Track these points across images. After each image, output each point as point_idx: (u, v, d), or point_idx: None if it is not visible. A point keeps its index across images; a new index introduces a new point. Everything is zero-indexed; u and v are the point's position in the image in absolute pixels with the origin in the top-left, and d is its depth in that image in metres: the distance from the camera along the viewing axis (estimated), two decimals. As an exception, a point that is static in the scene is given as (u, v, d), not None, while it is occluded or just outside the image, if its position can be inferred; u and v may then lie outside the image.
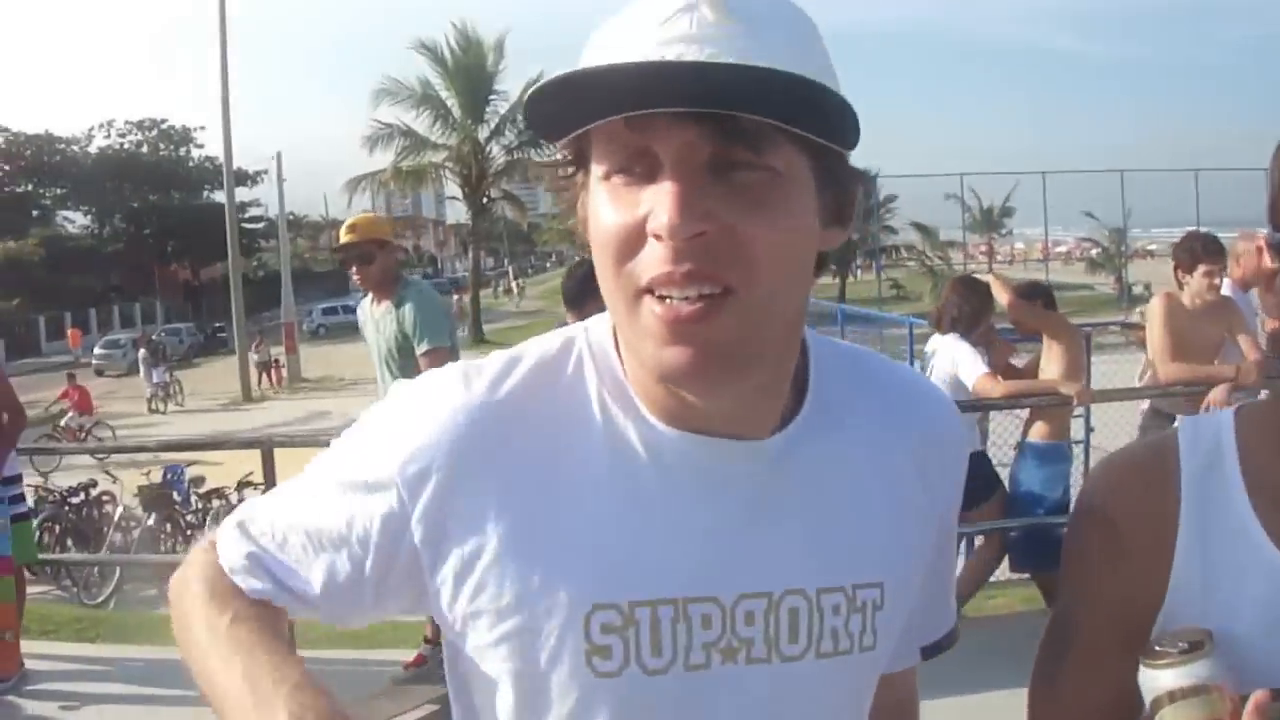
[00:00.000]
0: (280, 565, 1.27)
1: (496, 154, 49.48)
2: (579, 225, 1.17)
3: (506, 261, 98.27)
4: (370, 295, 6.31)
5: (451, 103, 47.52)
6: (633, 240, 1.04)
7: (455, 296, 51.53)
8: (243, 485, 13.11)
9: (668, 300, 1.03)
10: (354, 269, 6.06)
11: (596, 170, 1.09)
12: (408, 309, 5.95)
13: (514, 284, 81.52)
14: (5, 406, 6.58)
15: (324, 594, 1.25)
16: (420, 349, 5.86)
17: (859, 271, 63.21)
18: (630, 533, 1.16)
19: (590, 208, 1.11)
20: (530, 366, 1.22)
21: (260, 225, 72.99)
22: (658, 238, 1.02)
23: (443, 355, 5.71)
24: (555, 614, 1.15)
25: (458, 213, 56.57)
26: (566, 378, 1.22)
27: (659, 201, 1.02)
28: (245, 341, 37.06)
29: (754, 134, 1.01)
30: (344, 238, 6.16)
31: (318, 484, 1.27)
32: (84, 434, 24.87)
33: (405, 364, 5.88)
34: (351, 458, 1.25)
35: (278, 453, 6.69)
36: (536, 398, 1.20)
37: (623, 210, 1.05)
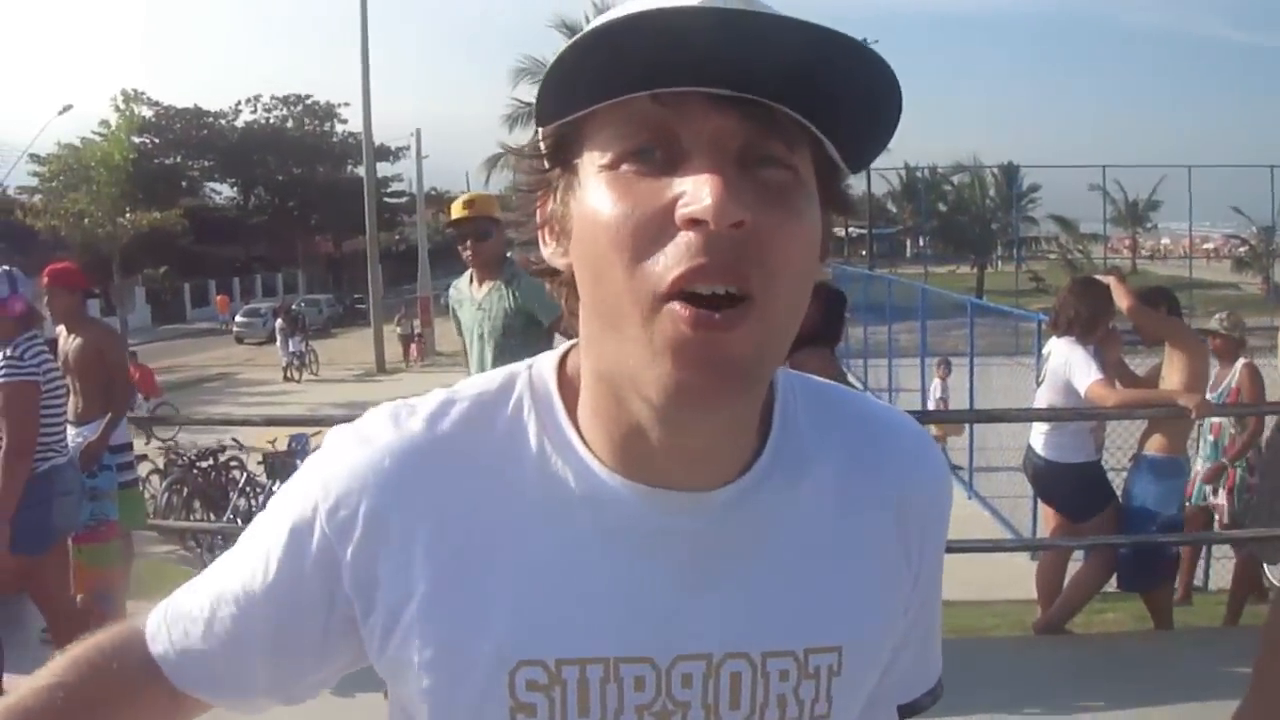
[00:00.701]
0: (216, 646, 1.20)
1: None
2: (544, 229, 1.09)
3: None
4: (469, 274, 6.19)
5: (591, 80, 47.69)
6: (652, 234, 0.93)
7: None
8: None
9: (692, 306, 0.91)
10: (467, 244, 5.95)
11: (598, 159, 0.98)
12: (523, 286, 5.81)
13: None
14: (117, 378, 6.80)
15: (268, 662, 1.19)
16: (549, 319, 5.76)
17: (999, 262, 62.31)
18: (560, 586, 1.08)
19: (581, 203, 0.99)
20: (466, 406, 1.15)
21: (401, 200, 74.04)
22: (693, 223, 0.90)
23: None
24: (479, 668, 1.08)
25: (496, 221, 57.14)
26: (505, 419, 1.13)
27: (698, 184, 0.90)
28: (382, 314, 37.45)
29: (788, 130, 0.95)
30: (459, 212, 6.02)
31: (248, 549, 1.19)
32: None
33: (513, 342, 5.79)
34: (283, 510, 1.16)
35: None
36: (472, 439, 1.12)
37: (639, 200, 0.94)
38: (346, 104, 73.30)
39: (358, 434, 1.14)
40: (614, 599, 1.09)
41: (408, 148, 59.90)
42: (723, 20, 0.88)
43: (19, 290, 5.52)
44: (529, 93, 46.83)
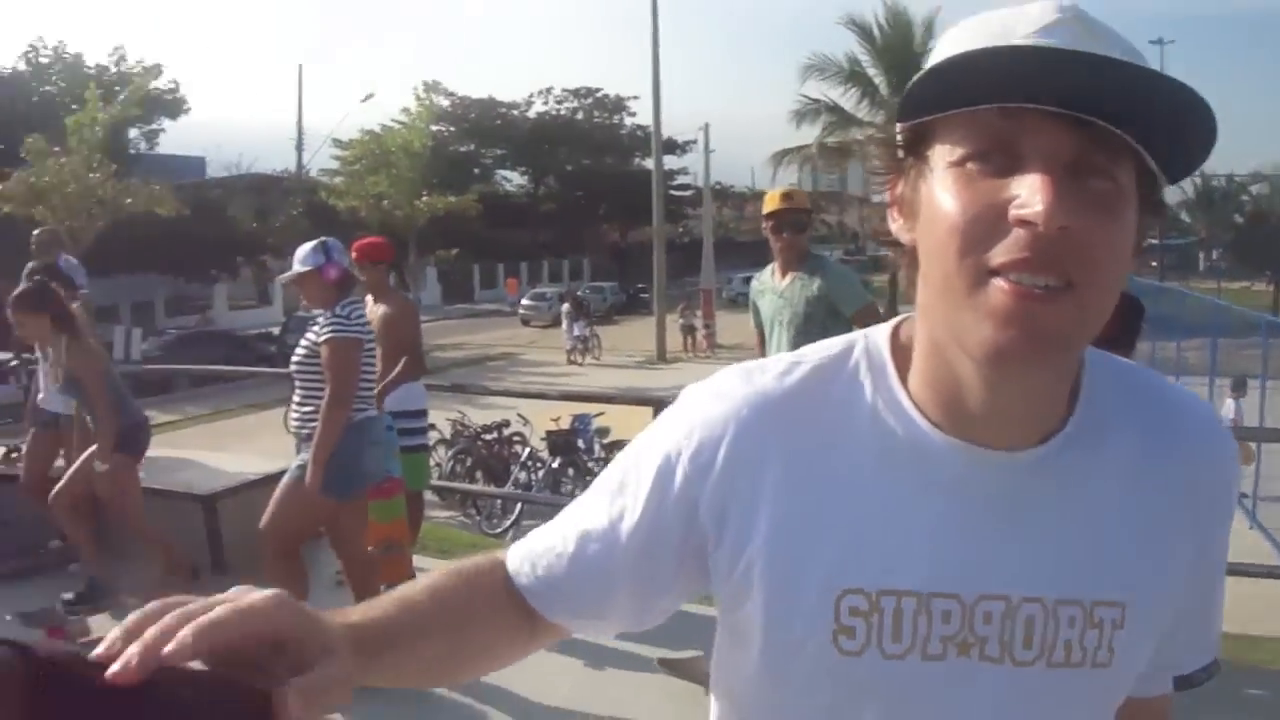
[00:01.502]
0: (581, 578, 1.37)
1: (926, 136, 48.81)
2: (894, 207, 1.24)
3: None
4: (771, 267, 6.53)
5: (879, 80, 46.97)
6: (986, 225, 1.07)
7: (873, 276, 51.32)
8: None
9: (1017, 283, 1.05)
10: (783, 234, 6.23)
11: (947, 155, 1.12)
12: (829, 277, 6.16)
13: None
14: (410, 350, 7.39)
15: (629, 591, 1.36)
16: (850, 311, 6.02)
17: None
18: (884, 526, 1.24)
19: (929, 191, 1.14)
20: (810, 368, 1.31)
21: (687, 193, 75.03)
22: (1023, 223, 1.04)
23: (873, 311, 6.08)
24: (811, 593, 1.24)
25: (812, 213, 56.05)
26: (843, 380, 1.29)
27: (1031, 190, 1.04)
28: (664, 303, 38.00)
29: (1113, 145, 1.05)
30: (779, 204, 6.35)
31: (608, 492, 1.37)
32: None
33: (813, 330, 5.96)
34: (645, 455, 1.34)
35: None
36: (813, 396, 1.29)
37: (978, 195, 1.08)
38: (635, 97, 74.70)
39: (714, 389, 1.33)
40: (929, 540, 1.23)
41: (694, 141, 60.73)
42: (1059, 56, 1.01)
43: (334, 258, 5.88)
44: (817, 89, 46.67)
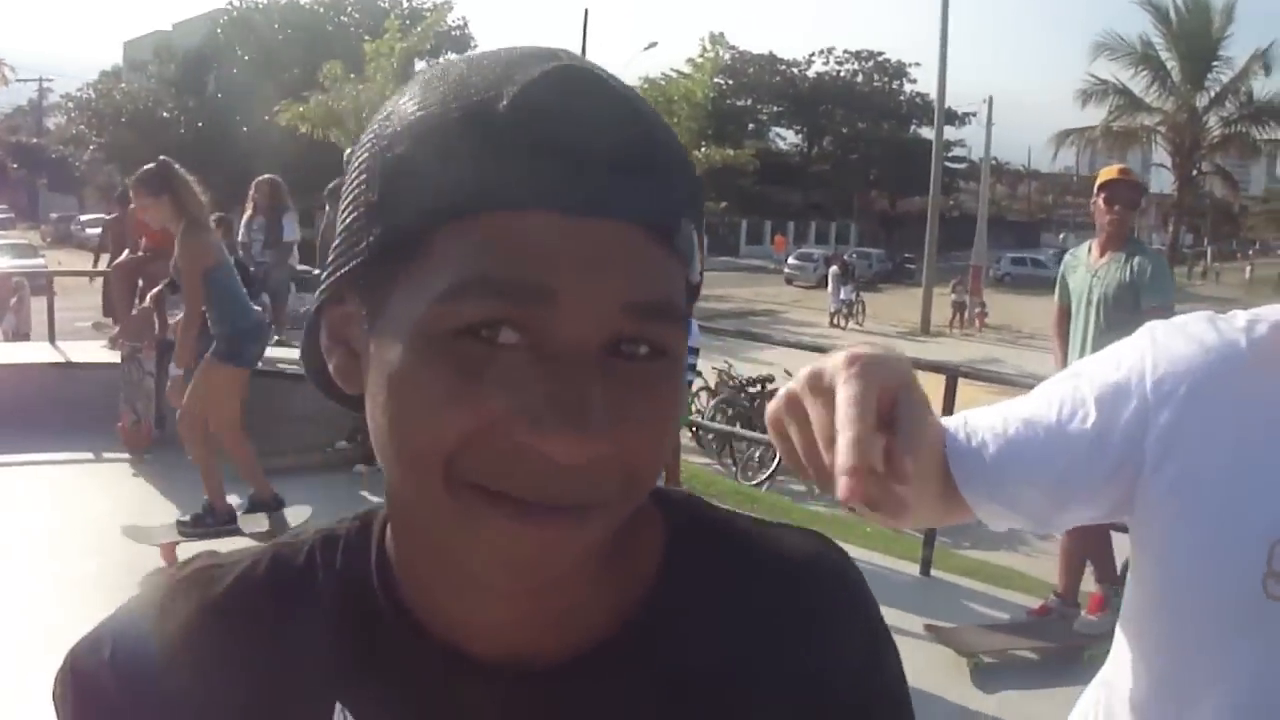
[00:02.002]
0: (1006, 462, 1.39)
1: (1213, 125, 46.62)
2: None
3: (1206, 241, 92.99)
4: (1088, 245, 6.44)
5: (1172, 65, 45.11)
6: None
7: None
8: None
9: None
10: (1115, 207, 6.11)
11: None
12: (1144, 263, 6.04)
13: (1209, 266, 77.00)
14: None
15: (1046, 490, 1.41)
16: (1150, 304, 5.85)
17: None
18: None
19: None
20: (1265, 330, 1.35)
21: (961, 166, 73.75)
22: None
23: (1167, 314, 5.58)
24: (1248, 536, 1.27)
25: (1162, 181, 53.59)
26: None
27: None
28: (933, 275, 37.36)
29: None
30: (1115, 175, 6.31)
31: (1059, 396, 1.42)
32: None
33: (1118, 316, 5.90)
34: (1101, 371, 1.41)
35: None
36: (1271, 354, 1.33)
37: None
38: (917, 64, 73.74)
39: (1182, 330, 1.40)
40: None
41: (973, 114, 59.54)
42: None
43: None
44: (1106, 69, 45.09)
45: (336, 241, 0.78)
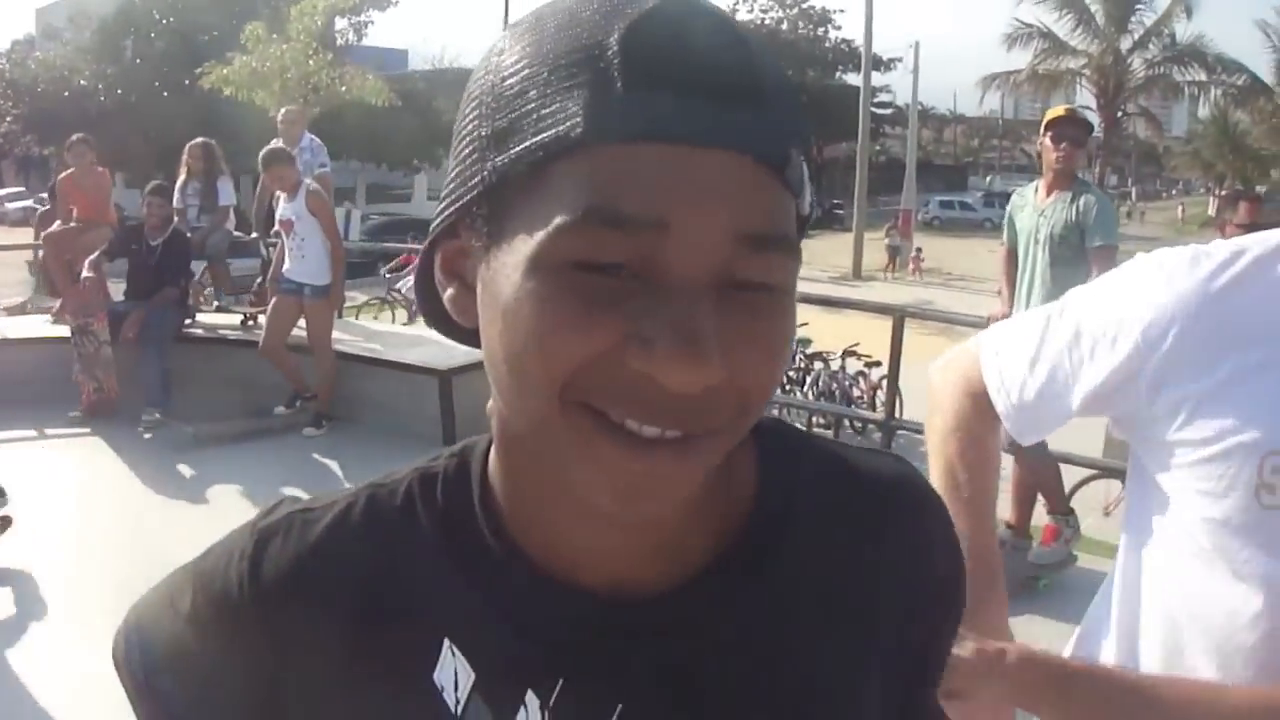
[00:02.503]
0: (1040, 404, 1.63)
1: (1137, 67, 47.15)
2: None
3: (1130, 182, 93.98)
4: (1035, 185, 6.53)
5: (1096, 9, 45.54)
6: None
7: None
8: (848, 354, 13.28)
9: None
10: (1062, 145, 6.20)
11: None
12: (1090, 203, 6.10)
13: (1134, 206, 77.81)
14: None
15: (1071, 414, 1.61)
16: (1095, 243, 5.97)
17: None
18: None
19: None
20: (1249, 260, 1.44)
21: (888, 112, 73.65)
22: None
23: (1111, 253, 5.91)
24: (1239, 451, 1.39)
25: (1092, 131, 54.20)
26: (1278, 270, 1.43)
27: None
28: (863, 221, 37.44)
29: None
30: (1062, 114, 6.42)
31: (1061, 328, 1.60)
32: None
33: (1064, 254, 6.01)
34: (1102, 309, 1.55)
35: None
36: (1249, 285, 1.43)
37: None
38: (842, 10, 73.74)
39: (1166, 274, 1.49)
40: None
41: (900, 59, 59.56)
42: None
43: None
44: (1032, 14, 45.38)
45: (450, 177, 0.80)
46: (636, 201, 0.69)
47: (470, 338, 0.85)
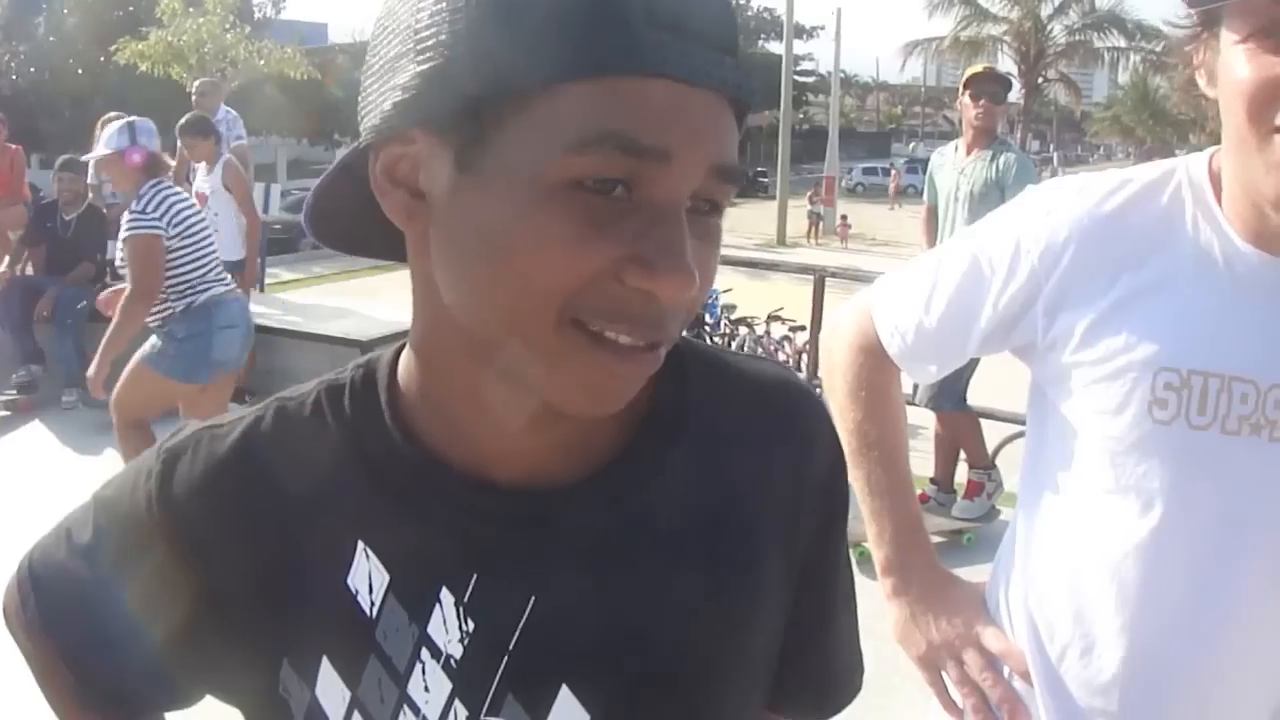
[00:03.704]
0: (939, 341, 1.69)
1: (1057, 34, 47.71)
2: (1200, 71, 1.45)
3: (1052, 148, 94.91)
4: (954, 144, 6.58)
5: (1016, -26, 45.93)
6: (1270, 92, 1.29)
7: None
8: (772, 318, 13.35)
9: None
10: (981, 101, 6.26)
11: (1231, 36, 1.34)
12: (1009, 161, 6.18)
13: (1056, 170, 78.64)
14: None
15: (970, 350, 1.68)
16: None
17: None
18: (1198, 320, 1.45)
19: (1224, 63, 1.36)
20: (1137, 187, 1.52)
21: (810, 80, 74.08)
22: None
23: None
24: (1133, 369, 1.46)
25: (1011, 89, 54.79)
26: (1166, 197, 1.51)
27: None
28: (786, 188, 37.54)
29: None
30: (979, 71, 6.52)
31: (955, 262, 1.66)
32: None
33: (984, 211, 5.85)
34: (996, 240, 1.60)
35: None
36: (1142, 209, 1.51)
37: (1262, 67, 1.29)
38: (763, -22, 73.48)
39: (1053, 203, 1.56)
40: (1234, 334, 1.45)
41: (822, 27, 59.76)
42: None
43: (140, 141, 5.67)
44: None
45: (395, 81, 0.82)
46: (650, 131, 0.75)
47: (382, 247, 0.94)
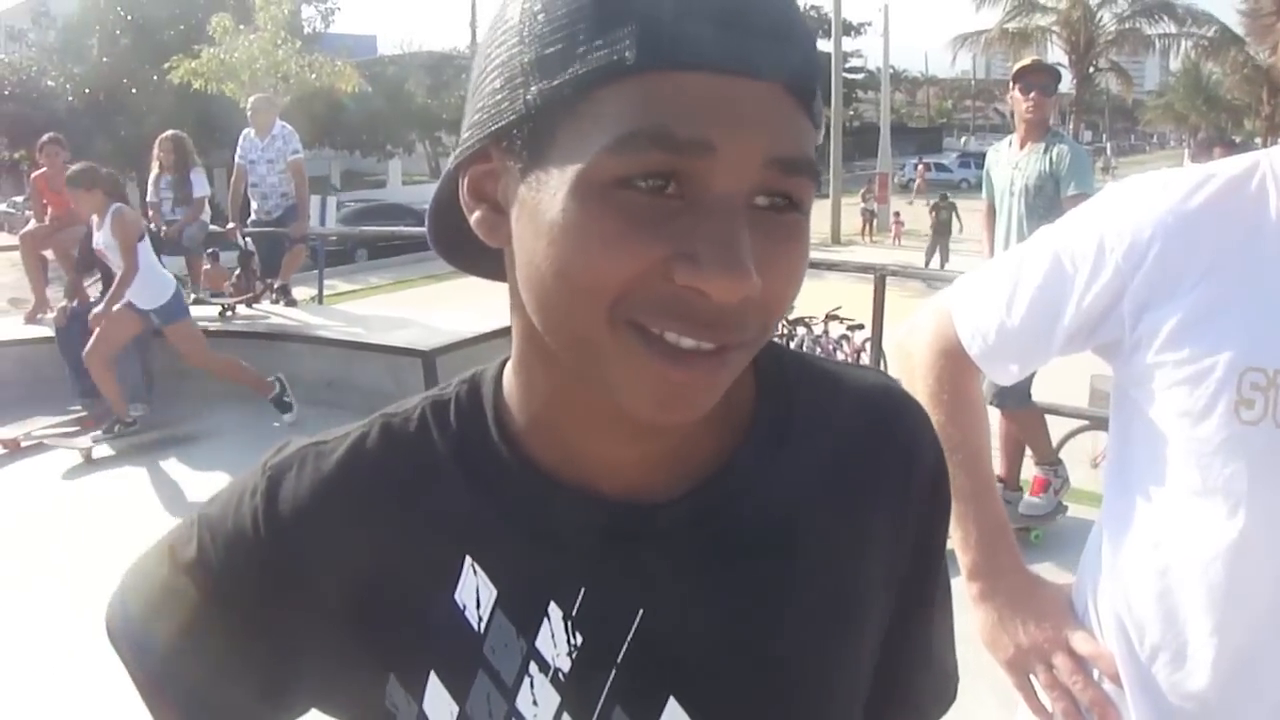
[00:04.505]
0: (1021, 341, 1.66)
1: (1107, 22, 47.19)
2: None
3: (1105, 138, 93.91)
4: (1009, 139, 6.51)
5: (1063, -36, 45.55)
6: None
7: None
8: (830, 318, 13.27)
9: None
10: (1031, 94, 6.18)
11: None
12: (1063, 153, 6.09)
13: (1109, 160, 77.92)
14: None
15: (1054, 350, 1.64)
16: (1069, 191, 5.99)
17: None
18: None
19: None
20: (1221, 182, 1.48)
21: (859, 76, 73.72)
22: None
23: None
24: (1219, 369, 1.42)
25: (1061, 80, 54.48)
26: (1250, 192, 1.47)
27: None
28: (839, 186, 37.40)
29: None
30: (1027, 64, 6.41)
31: (1037, 260, 1.62)
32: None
33: (1040, 205, 6.05)
34: (1079, 238, 1.57)
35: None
36: (1226, 205, 1.47)
37: None
38: (810, -22, 73.27)
39: (1139, 198, 1.53)
40: None
41: (870, 23, 59.48)
42: None
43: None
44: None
45: (477, 104, 0.84)
46: (686, 125, 0.73)
47: (483, 265, 0.95)
